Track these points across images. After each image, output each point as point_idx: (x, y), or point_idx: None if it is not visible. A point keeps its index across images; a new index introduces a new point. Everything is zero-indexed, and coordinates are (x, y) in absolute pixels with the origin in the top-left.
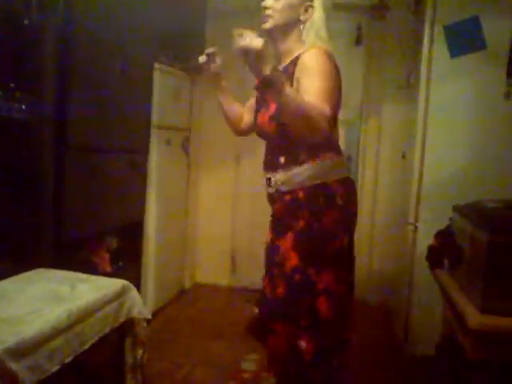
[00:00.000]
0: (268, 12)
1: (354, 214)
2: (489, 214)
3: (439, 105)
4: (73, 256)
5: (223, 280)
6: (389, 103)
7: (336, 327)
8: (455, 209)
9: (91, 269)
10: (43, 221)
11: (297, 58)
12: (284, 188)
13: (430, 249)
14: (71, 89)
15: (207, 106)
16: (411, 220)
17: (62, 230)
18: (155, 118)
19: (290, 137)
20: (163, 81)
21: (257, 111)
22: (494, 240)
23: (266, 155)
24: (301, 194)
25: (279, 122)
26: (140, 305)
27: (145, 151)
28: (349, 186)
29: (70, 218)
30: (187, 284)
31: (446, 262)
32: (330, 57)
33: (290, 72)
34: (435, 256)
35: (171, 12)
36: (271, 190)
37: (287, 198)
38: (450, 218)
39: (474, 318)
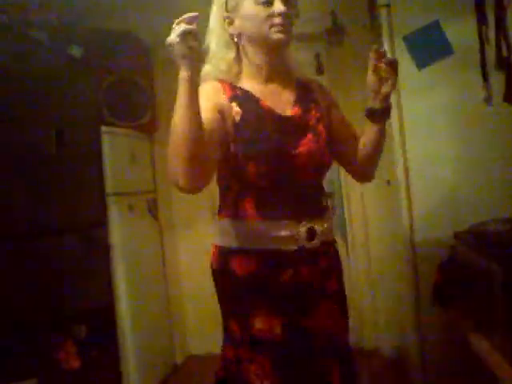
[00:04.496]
0: (287, 21)
1: None
2: (496, 242)
3: (415, 122)
4: (28, 359)
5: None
6: (362, 129)
7: None
8: (457, 236)
9: (54, 369)
10: None
11: (305, 83)
12: (330, 238)
13: (436, 285)
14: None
15: None
16: (408, 256)
17: (6, 333)
18: (110, 185)
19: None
20: (115, 144)
21: (286, 141)
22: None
23: (291, 198)
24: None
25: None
26: None
27: (103, 224)
28: None
29: (14, 317)
30: (179, 358)
31: (456, 297)
32: None
33: (312, 99)
34: (443, 292)
35: (113, 68)
36: (315, 244)
37: (331, 250)
38: (452, 247)
39: None
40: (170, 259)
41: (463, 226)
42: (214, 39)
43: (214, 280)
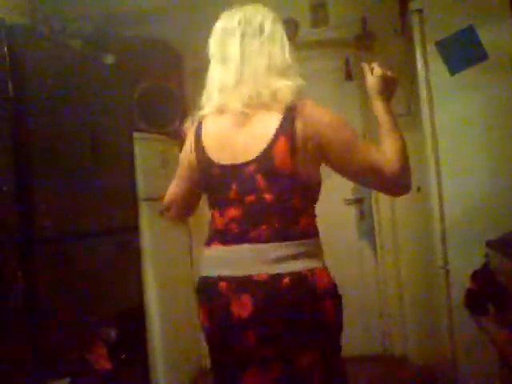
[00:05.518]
0: None
1: None
2: None
3: (447, 128)
4: (61, 359)
5: None
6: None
7: None
8: (490, 245)
9: (87, 369)
10: (16, 329)
11: None
12: None
13: (469, 293)
14: (34, 176)
15: None
16: (440, 263)
17: (41, 334)
18: (142, 191)
19: None
20: (146, 149)
21: None
22: None
23: None
24: None
25: None
26: None
27: (134, 228)
28: None
29: (48, 319)
30: (207, 361)
31: (490, 306)
32: None
33: None
34: (476, 301)
35: (145, 77)
36: None
37: None
38: (486, 255)
39: None
40: (199, 263)
41: (496, 234)
42: (290, 56)
43: (336, 305)
